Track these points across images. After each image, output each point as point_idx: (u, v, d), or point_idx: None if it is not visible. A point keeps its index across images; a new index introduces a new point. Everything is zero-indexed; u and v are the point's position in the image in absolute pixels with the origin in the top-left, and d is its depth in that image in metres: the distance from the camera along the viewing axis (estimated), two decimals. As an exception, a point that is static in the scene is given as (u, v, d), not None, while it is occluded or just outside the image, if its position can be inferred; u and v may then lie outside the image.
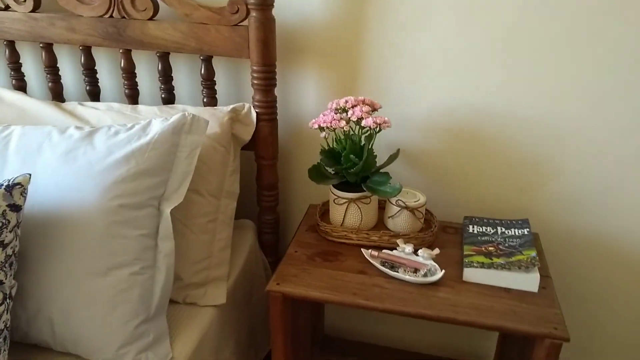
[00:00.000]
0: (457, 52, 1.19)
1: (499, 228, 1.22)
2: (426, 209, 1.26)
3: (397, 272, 1.09)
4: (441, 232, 1.27)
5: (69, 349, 0.96)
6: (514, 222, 1.24)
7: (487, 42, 1.16)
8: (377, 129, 1.11)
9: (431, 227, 1.23)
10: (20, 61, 1.40)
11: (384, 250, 1.15)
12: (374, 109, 1.16)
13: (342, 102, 1.14)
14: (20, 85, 1.41)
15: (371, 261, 1.13)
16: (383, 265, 1.11)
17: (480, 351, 1.51)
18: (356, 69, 1.27)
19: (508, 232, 1.19)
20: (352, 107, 1.12)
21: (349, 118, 1.12)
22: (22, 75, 1.42)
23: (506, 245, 1.14)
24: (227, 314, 1.19)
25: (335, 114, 1.14)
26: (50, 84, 1.39)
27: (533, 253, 1.09)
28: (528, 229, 1.19)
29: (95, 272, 0.94)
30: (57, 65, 1.38)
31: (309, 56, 1.29)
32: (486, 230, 1.21)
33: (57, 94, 1.40)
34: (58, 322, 0.94)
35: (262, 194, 1.36)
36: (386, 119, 1.12)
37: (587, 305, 1.37)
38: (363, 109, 1.11)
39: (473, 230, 1.22)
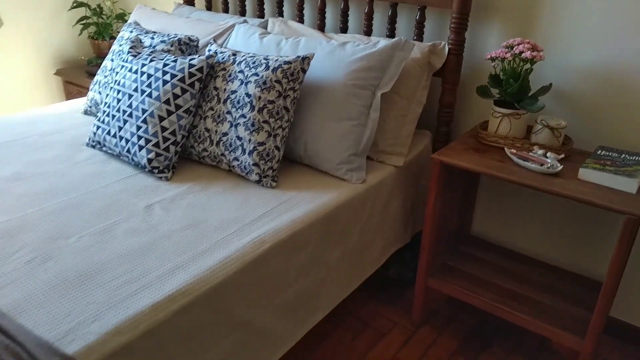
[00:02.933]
0: (610, 14, 1.54)
1: (624, 155, 1.54)
2: (566, 135, 1.64)
3: (527, 163, 1.52)
4: (575, 155, 1.63)
5: (311, 161, 1.67)
6: None
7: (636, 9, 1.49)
8: (533, 60, 1.54)
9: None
10: (303, 5, 2.18)
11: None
12: (536, 50, 1.59)
13: (510, 41, 1.60)
14: (300, 20, 2.19)
15: (509, 155, 1.58)
16: (517, 159, 1.55)
17: (599, 273, 1.81)
18: (530, 22, 1.70)
19: (630, 158, 1.51)
20: (518, 44, 1.58)
21: (513, 52, 1.57)
22: (303, 14, 2.20)
23: (622, 163, 1.47)
24: (400, 177, 1.78)
25: (504, 49, 1.61)
26: (317, 22, 2.14)
27: (641, 168, 1.41)
28: (648, 158, 1.49)
29: (334, 120, 1.62)
30: (325, 10, 2.11)
31: (494, 11, 1.77)
32: (612, 154, 1.54)
33: (320, 28, 2.14)
34: (309, 144, 1.64)
35: (441, 110, 1.89)
36: (541, 53, 1.54)
37: None
38: (525, 46, 1.55)
39: (600, 153, 1.56)
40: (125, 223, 1.32)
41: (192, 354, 1.11)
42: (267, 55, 1.61)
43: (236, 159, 1.58)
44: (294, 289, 1.38)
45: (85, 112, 2.07)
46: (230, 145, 1.58)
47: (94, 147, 1.75)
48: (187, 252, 1.21)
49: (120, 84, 1.67)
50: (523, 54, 1.55)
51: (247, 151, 1.54)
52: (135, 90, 1.61)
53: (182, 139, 1.61)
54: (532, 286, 1.74)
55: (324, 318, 1.61)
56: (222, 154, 1.60)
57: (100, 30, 2.78)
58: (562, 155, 1.53)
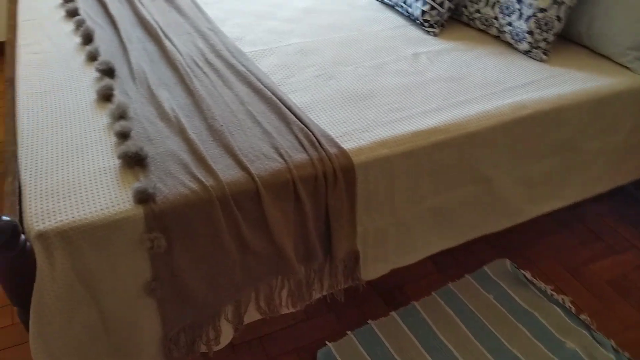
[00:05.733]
0: None
1: None
2: None
3: None
4: None
5: (592, 41, 1.51)
6: None
7: None
8: None
9: None
10: None
11: None
12: None
13: None
14: None
15: None
16: None
17: None
18: None
19: None
20: None
21: None
22: None
23: None
24: None
25: None
26: None
27: None
28: None
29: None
30: None
31: None
32: None
33: None
34: (595, 20, 1.47)
35: None
36: None
37: None
38: None
39: None
40: (394, 64, 1.43)
41: (434, 188, 1.21)
42: None
43: (509, 24, 1.51)
44: (541, 165, 1.35)
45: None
46: (507, 8, 1.51)
47: (371, -4, 1.86)
48: (448, 99, 1.27)
49: None
50: None
51: (524, 16, 1.46)
52: (425, -61, 1.62)
53: (458, -4, 1.60)
54: None
55: (549, 215, 1.54)
56: (495, 17, 1.55)
57: None
58: None
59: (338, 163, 1.06)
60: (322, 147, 1.07)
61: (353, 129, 1.15)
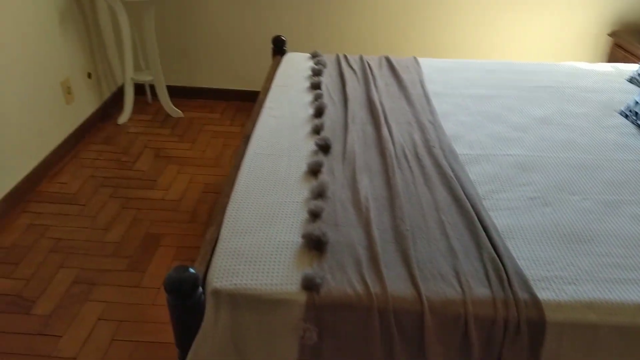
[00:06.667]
0: None
1: None
2: None
3: None
4: None
5: None
6: None
7: None
8: None
9: None
10: None
11: None
12: None
13: None
14: None
15: None
16: None
17: None
18: None
19: None
20: None
21: None
22: None
23: None
24: None
25: None
26: None
27: None
28: None
29: None
30: None
31: None
32: None
33: None
34: None
35: None
36: None
37: None
38: None
39: None
40: (635, 206, 1.18)
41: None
42: None
43: None
44: None
45: (631, 80, 1.90)
46: None
47: (627, 117, 1.60)
48: (702, 272, 0.98)
49: (698, 55, 1.41)
50: None
51: None
52: None
53: None
54: None
55: None
56: None
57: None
58: None
59: (526, 313, 0.90)
60: (511, 288, 0.93)
61: (557, 276, 0.97)
